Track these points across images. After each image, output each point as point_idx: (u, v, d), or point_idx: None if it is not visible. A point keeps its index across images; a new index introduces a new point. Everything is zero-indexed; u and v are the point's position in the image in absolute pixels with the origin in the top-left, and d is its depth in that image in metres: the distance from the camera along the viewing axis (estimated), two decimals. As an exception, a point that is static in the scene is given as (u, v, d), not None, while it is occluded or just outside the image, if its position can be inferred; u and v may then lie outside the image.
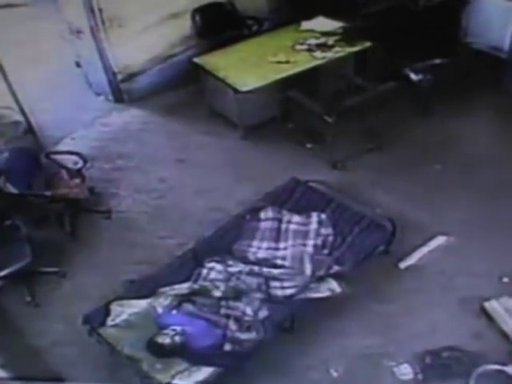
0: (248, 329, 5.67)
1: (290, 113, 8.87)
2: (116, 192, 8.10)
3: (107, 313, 5.83)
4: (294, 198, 7.16)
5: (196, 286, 6.07)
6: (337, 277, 6.12)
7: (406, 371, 5.73)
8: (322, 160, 8.19)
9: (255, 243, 6.61)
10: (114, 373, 5.75)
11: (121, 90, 9.85)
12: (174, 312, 5.84)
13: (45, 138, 8.69)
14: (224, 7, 10.26)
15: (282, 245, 6.57)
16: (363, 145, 8.26)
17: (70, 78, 10.28)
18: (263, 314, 5.80)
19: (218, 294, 5.96)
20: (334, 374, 5.78)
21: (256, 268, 6.24)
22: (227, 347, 5.55)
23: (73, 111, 9.60)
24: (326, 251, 6.48)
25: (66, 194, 7.33)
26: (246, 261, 6.37)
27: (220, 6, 10.21)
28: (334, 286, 6.06)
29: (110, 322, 5.76)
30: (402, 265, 6.71)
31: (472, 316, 6.16)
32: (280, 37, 9.41)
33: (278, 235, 6.68)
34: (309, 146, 8.57)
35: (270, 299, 5.94)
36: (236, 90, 8.33)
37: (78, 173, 7.50)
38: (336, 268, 6.18)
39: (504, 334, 5.92)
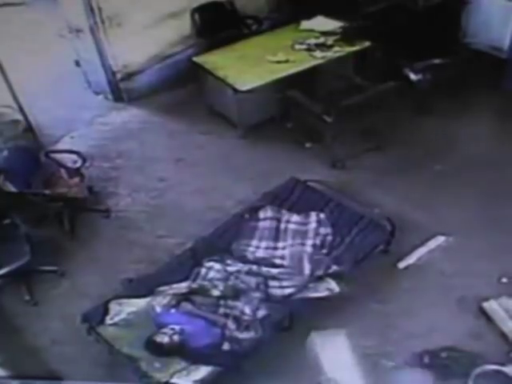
0: (246, 328, 5.68)
1: (290, 112, 8.87)
2: (115, 191, 8.11)
3: (106, 311, 5.83)
4: (293, 197, 7.16)
5: (195, 285, 6.07)
6: (335, 276, 6.12)
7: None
8: (321, 160, 8.20)
9: (254, 242, 6.61)
10: (113, 371, 5.74)
11: (120, 89, 9.86)
12: (173, 311, 5.84)
13: (44, 136, 8.69)
14: (223, 6, 10.28)
15: (280, 244, 6.57)
16: (362, 144, 8.26)
17: (70, 76, 10.27)
18: (262, 313, 5.80)
19: (216, 293, 5.96)
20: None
21: (255, 267, 6.24)
22: (226, 346, 5.55)
23: (72, 110, 9.61)
24: (324, 251, 6.48)
25: (65, 193, 7.33)
26: (244, 260, 6.37)
27: (219, 5, 10.23)
28: (332, 285, 6.06)
29: (108, 320, 5.76)
30: (401, 265, 6.72)
31: (471, 316, 6.17)
32: (279, 36, 9.42)
33: (276, 235, 6.68)
34: (308, 145, 8.57)
35: (268, 298, 5.94)
36: (235, 90, 8.33)
37: (77, 172, 7.51)
38: (335, 268, 6.18)
39: (503, 335, 5.92)
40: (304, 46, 8.95)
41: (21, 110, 8.21)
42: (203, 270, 6.28)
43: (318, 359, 4.81)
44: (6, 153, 7.13)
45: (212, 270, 6.27)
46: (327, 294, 6.01)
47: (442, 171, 7.86)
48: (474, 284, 6.41)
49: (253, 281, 6.07)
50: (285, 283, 6.04)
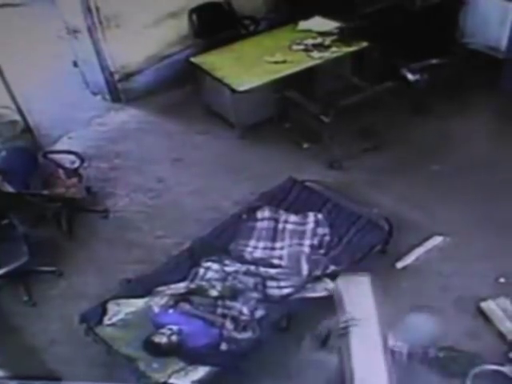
0: (244, 328, 5.68)
1: (287, 113, 8.88)
2: (113, 191, 8.11)
3: (104, 312, 5.83)
4: (291, 197, 7.17)
5: (193, 286, 6.07)
6: (333, 277, 6.12)
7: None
8: (319, 160, 8.21)
9: (252, 243, 6.61)
10: (111, 372, 5.74)
11: (118, 90, 9.86)
12: (171, 311, 5.84)
13: (42, 137, 8.69)
14: (221, 7, 10.28)
15: (278, 244, 6.58)
16: (360, 145, 8.27)
17: (68, 77, 10.28)
18: (260, 313, 5.81)
19: (214, 293, 5.96)
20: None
21: (253, 268, 6.24)
22: (224, 347, 5.56)
23: (70, 111, 9.61)
24: (322, 251, 6.48)
25: (63, 194, 7.33)
26: (242, 260, 6.37)
27: (217, 5, 10.23)
28: (330, 285, 6.05)
29: (106, 321, 5.76)
30: (399, 265, 6.72)
31: (469, 316, 6.17)
32: (277, 37, 9.42)
33: (274, 235, 6.69)
34: (305, 145, 8.57)
35: (266, 299, 5.94)
36: (233, 90, 8.33)
37: (75, 172, 7.51)
38: (332, 268, 6.18)
39: (500, 335, 5.93)
40: (301, 47, 8.95)
41: (19, 110, 8.21)
42: (201, 271, 6.29)
43: (341, 300, 4.91)
44: (4, 153, 7.15)
45: (210, 270, 6.27)
46: (325, 294, 6.01)
47: (440, 171, 7.86)
48: (472, 284, 6.42)
49: (251, 281, 6.07)
50: (283, 283, 6.04)
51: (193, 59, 9.17)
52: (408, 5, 9.38)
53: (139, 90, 9.93)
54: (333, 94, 8.35)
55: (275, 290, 6.02)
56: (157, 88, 9.95)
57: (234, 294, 5.97)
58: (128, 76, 9.81)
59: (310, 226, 6.72)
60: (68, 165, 7.63)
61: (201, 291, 6.00)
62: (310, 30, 9.36)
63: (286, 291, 5.99)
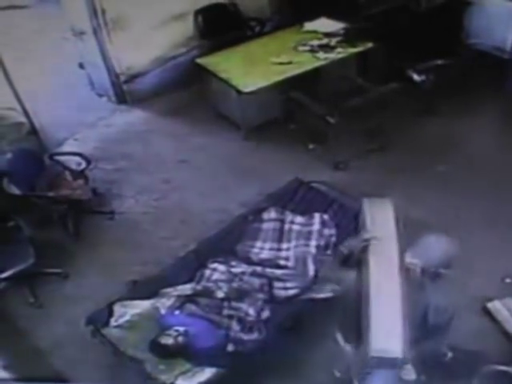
0: (251, 329, 5.68)
1: (293, 113, 8.89)
2: (119, 193, 8.12)
3: (110, 313, 5.83)
4: (297, 198, 7.16)
5: (199, 287, 6.07)
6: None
7: (408, 371, 5.73)
8: (325, 161, 8.20)
9: (258, 244, 6.60)
10: (117, 374, 5.76)
11: (124, 91, 9.87)
12: (177, 313, 5.84)
13: (48, 139, 8.70)
14: (226, 8, 10.27)
15: (284, 245, 6.57)
16: (366, 145, 8.26)
17: (73, 79, 10.30)
18: (266, 314, 5.81)
19: (220, 294, 5.95)
20: (338, 375, 5.79)
21: (259, 269, 6.23)
22: (230, 348, 5.55)
23: (76, 112, 9.63)
24: (329, 252, 6.48)
25: (69, 195, 7.34)
26: (248, 261, 6.36)
27: (222, 7, 10.22)
28: (336, 286, 6.06)
29: (113, 322, 5.76)
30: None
31: (475, 316, 6.17)
32: (282, 38, 9.43)
33: (280, 236, 6.68)
34: (311, 146, 8.57)
35: (272, 300, 5.94)
36: (239, 91, 8.34)
37: (81, 174, 7.51)
38: (339, 269, 6.19)
39: (507, 335, 5.93)
40: (307, 48, 8.95)
41: (25, 112, 8.21)
42: (207, 272, 6.28)
43: (364, 220, 5.02)
44: (10, 155, 7.14)
45: (216, 271, 6.26)
46: (331, 295, 6.01)
47: (446, 172, 7.86)
48: (478, 284, 6.41)
49: (257, 282, 6.07)
50: (289, 284, 6.03)
51: (198, 60, 9.18)
52: (413, 6, 9.38)
53: (145, 91, 9.94)
54: (338, 95, 8.34)
55: (281, 291, 6.01)
56: (162, 89, 9.96)
57: (241, 295, 5.96)
58: (134, 77, 9.81)
59: (316, 226, 6.71)
60: (74, 166, 7.63)
61: (207, 292, 6.00)
62: (315, 31, 9.35)
63: (292, 292, 5.98)
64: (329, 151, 8.26)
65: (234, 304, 5.90)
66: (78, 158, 7.64)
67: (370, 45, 8.91)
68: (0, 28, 10.79)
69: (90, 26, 9.08)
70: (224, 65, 8.83)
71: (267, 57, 8.80)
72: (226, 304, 5.91)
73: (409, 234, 4.93)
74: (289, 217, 6.86)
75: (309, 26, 9.53)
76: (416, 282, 4.56)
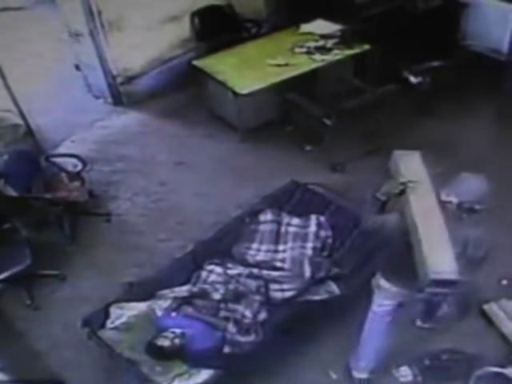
0: (247, 331, 5.67)
1: (289, 115, 8.89)
2: (115, 195, 8.12)
3: (107, 315, 5.82)
4: (293, 200, 7.16)
5: (195, 289, 6.06)
6: (336, 279, 6.12)
7: (405, 373, 5.75)
8: (321, 162, 8.21)
9: (254, 246, 6.60)
10: (114, 376, 5.75)
11: (120, 93, 9.87)
12: (174, 314, 5.83)
13: (44, 140, 8.69)
14: (223, 10, 10.29)
15: (281, 247, 6.57)
16: (362, 147, 8.26)
17: (70, 80, 10.29)
18: (262, 316, 5.80)
19: (217, 296, 5.96)
20: (334, 376, 5.80)
21: (255, 270, 6.23)
22: (227, 350, 5.55)
23: (72, 114, 9.62)
24: (325, 254, 6.48)
25: (66, 197, 7.33)
26: (245, 263, 6.36)
27: (219, 8, 10.23)
28: (333, 288, 6.06)
29: (109, 324, 5.75)
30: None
31: (471, 318, 6.17)
32: (279, 39, 9.43)
33: (277, 238, 6.68)
34: (308, 148, 8.58)
35: (269, 302, 5.93)
36: (235, 93, 8.35)
37: (78, 175, 7.51)
38: (335, 270, 6.18)
39: (503, 336, 5.93)
40: (304, 49, 8.96)
41: (21, 114, 8.21)
42: (204, 274, 6.28)
43: (397, 167, 5.40)
44: (6, 157, 7.13)
45: (213, 273, 6.26)
46: (328, 297, 6.01)
47: (442, 173, 7.84)
48: (475, 286, 6.41)
49: (253, 284, 6.07)
50: (285, 286, 6.03)
51: (195, 62, 9.17)
52: (410, 7, 9.39)
53: (141, 93, 9.95)
54: (335, 97, 8.34)
55: (278, 292, 6.01)
56: (159, 91, 9.96)
57: (237, 297, 5.96)
58: (130, 79, 9.82)
59: (313, 228, 6.71)
60: (70, 168, 7.62)
61: (204, 294, 6.00)
62: (312, 33, 9.36)
63: (288, 294, 5.97)
64: (325, 153, 8.27)
65: (230, 306, 5.90)
66: (74, 160, 7.62)
67: (366, 46, 8.92)
68: (-4, 30, 10.83)
69: (87, 27, 9.08)
70: (220, 67, 8.83)
71: (264, 58, 8.80)
72: (222, 306, 5.91)
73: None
74: (285, 219, 6.86)
75: (305, 27, 9.53)
76: (454, 218, 4.81)
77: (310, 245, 6.51)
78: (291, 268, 6.25)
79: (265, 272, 6.22)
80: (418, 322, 6.21)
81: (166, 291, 6.04)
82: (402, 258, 4.86)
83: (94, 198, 7.88)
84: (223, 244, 6.65)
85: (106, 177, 8.39)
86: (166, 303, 5.94)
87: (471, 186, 5.11)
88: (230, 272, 6.23)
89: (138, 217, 7.79)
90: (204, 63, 9.07)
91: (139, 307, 5.90)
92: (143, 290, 6.14)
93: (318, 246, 6.52)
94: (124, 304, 5.95)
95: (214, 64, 8.96)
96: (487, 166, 7.71)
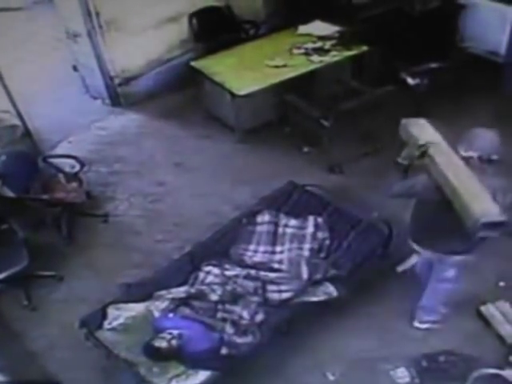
0: (245, 332, 5.67)
1: (287, 117, 8.90)
2: (113, 196, 8.12)
3: (104, 316, 5.82)
4: (291, 201, 7.16)
5: (193, 290, 6.06)
6: (333, 280, 6.12)
7: (402, 375, 5.75)
8: (319, 164, 8.21)
9: (252, 247, 6.61)
10: (111, 376, 5.75)
11: (118, 94, 9.87)
12: (171, 315, 5.84)
13: (42, 141, 8.69)
14: (221, 11, 10.30)
15: (278, 248, 6.57)
16: (360, 149, 8.27)
17: (67, 81, 10.29)
18: (260, 317, 5.80)
19: (214, 297, 5.95)
20: (331, 378, 5.80)
21: (253, 272, 6.23)
22: (224, 351, 5.55)
23: (70, 115, 9.62)
24: (322, 255, 6.48)
25: (63, 198, 7.34)
26: (242, 264, 6.36)
27: (217, 10, 10.25)
28: (330, 289, 6.06)
29: (106, 325, 5.75)
30: (399, 268, 6.71)
31: (468, 320, 6.18)
32: (277, 41, 9.43)
33: (274, 239, 6.68)
34: (306, 149, 8.58)
35: (266, 303, 5.94)
36: (233, 94, 8.35)
37: (75, 176, 7.52)
38: (333, 272, 6.18)
39: (500, 338, 5.94)
40: (302, 51, 8.97)
41: (19, 115, 8.21)
42: (201, 275, 6.28)
43: (410, 133, 5.60)
44: (3, 158, 7.13)
45: (210, 274, 6.26)
46: (325, 298, 6.01)
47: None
48: (472, 288, 6.42)
49: (251, 285, 6.07)
50: (283, 287, 6.03)
51: (193, 63, 9.18)
52: (408, 9, 9.39)
53: (139, 94, 9.95)
54: (333, 98, 8.35)
55: (275, 294, 6.01)
56: (157, 92, 9.96)
57: (235, 298, 5.97)
58: (128, 80, 9.82)
59: (310, 229, 6.71)
60: (68, 169, 7.64)
61: (201, 295, 6.00)
62: (310, 34, 9.36)
63: (286, 295, 5.97)
64: (323, 154, 8.27)
65: (227, 307, 5.90)
66: (72, 161, 7.64)
67: (364, 48, 8.92)
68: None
69: (85, 28, 9.08)
70: (218, 68, 8.83)
71: (262, 60, 8.81)
72: (219, 307, 5.92)
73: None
74: (283, 220, 6.86)
75: (303, 29, 9.53)
76: (477, 170, 5.04)
77: (307, 246, 6.52)
78: (288, 269, 6.25)
79: (262, 273, 6.22)
80: (416, 323, 6.26)
81: (163, 292, 6.04)
82: (433, 219, 5.28)
83: (91, 199, 7.88)
84: (221, 245, 6.66)
85: (103, 178, 8.39)
86: (163, 304, 5.94)
87: (485, 139, 5.36)
88: (227, 273, 6.23)
89: (136, 218, 7.79)
90: (202, 64, 9.07)
91: (137, 308, 5.90)
92: (141, 291, 6.14)
93: (315, 247, 6.52)
94: (121, 305, 5.95)
95: (212, 65, 8.96)
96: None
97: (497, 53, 9.22)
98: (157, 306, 5.92)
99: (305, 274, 6.14)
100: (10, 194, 6.96)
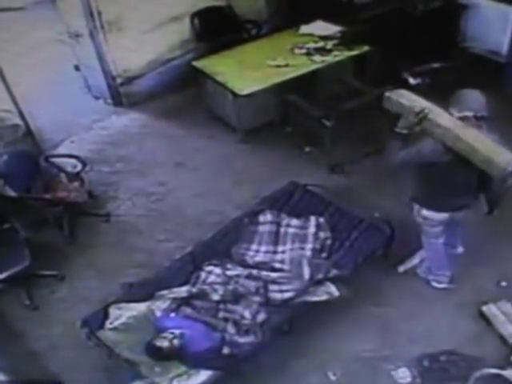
0: (246, 332, 5.68)
1: (289, 116, 8.90)
2: (115, 195, 8.12)
3: (106, 316, 5.82)
4: (293, 201, 7.16)
5: (194, 290, 6.07)
6: (335, 280, 6.11)
7: (404, 375, 5.74)
8: (321, 164, 8.21)
9: (254, 247, 6.61)
10: (113, 376, 5.75)
11: (120, 94, 9.87)
12: (173, 315, 5.84)
13: (44, 141, 8.69)
14: (223, 11, 10.30)
15: (280, 248, 6.57)
16: (361, 149, 8.25)
17: (69, 81, 10.29)
18: (261, 317, 5.80)
19: (216, 297, 5.96)
20: (332, 378, 5.80)
21: (254, 271, 6.23)
22: (225, 350, 5.55)
23: (72, 115, 9.62)
24: (324, 255, 6.48)
25: (65, 198, 7.34)
26: (244, 264, 6.37)
27: (219, 9, 10.24)
28: (332, 289, 6.05)
29: (108, 325, 5.75)
30: (401, 268, 6.73)
31: (470, 320, 6.18)
32: (279, 41, 9.43)
33: (276, 239, 6.68)
34: (307, 149, 8.58)
35: (268, 303, 5.93)
36: (235, 94, 8.34)
37: (77, 176, 7.51)
38: (334, 272, 6.17)
39: (502, 338, 5.93)
40: (303, 51, 8.97)
41: (20, 114, 8.20)
42: (203, 274, 6.28)
43: (400, 103, 5.79)
44: (5, 157, 7.14)
45: (212, 274, 6.26)
46: (327, 298, 6.01)
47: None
48: (473, 288, 6.42)
49: (252, 285, 6.07)
50: (284, 287, 6.03)
51: (195, 63, 9.17)
52: (410, 9, 9.39)
53: (141, 93, 9.95)
54: (334, 98, 8.35)
55: (277, 293, 6.01)
56: (159, 92, 9.97)
57: (236, 297, 5.97)
58: (130, 80, 9.82)
59: (312, 229, 6.71)
60: (70, 169, 7.63)
61: (203, 295, 6.00)
62: (311, 34, 9.37)
63: (287, 295, 5.97)
64: (325, 154, 8.27)
65: (229, 307, 5.91)
66: (73, 161, 7.64)
67: (366, 48, 8.92)
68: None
69: (86, 28, 9.08)
70: (220, 67, 8.82)
71: (263, 59, 8.80)
72: (221, 307, 5.92)
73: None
74: (284, 220, 6.86)
75: (305, 28, 9.53)
76: (475, 128, 5.34)
77: (309, 246, 6.52)
78: (290, 269, 6.25)
79: (264, 273, 6.22)
80: (434, 283, 6.50)
81: (165, 292, 6.04)
82: (443, 180, 5.57)
83: (93, 199, 7.89)
84: (222, 245, 6.66)
85: (105, 177, 8.40)
86: (165, 304, 5.94)
87: (474, 98, 5.57)
88: (229, 273, 6.23)
89: (137, 217, 7.78)
90: (204, 64, 9.07)
91: (138, 308, 5.90)
92: (142, 291, 6.14)
93: (317, 247, 6.52)
94: (123, 305, 5.95)
95: (213, 65, 8.96)
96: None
97: (498, 53, 9.22)
98: (158, 306, 5.92)
99: (306, 274, 6.13)
100: (11, 193, 6.96)
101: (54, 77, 10.34)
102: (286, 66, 8.66)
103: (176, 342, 5.37)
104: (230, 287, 6.05)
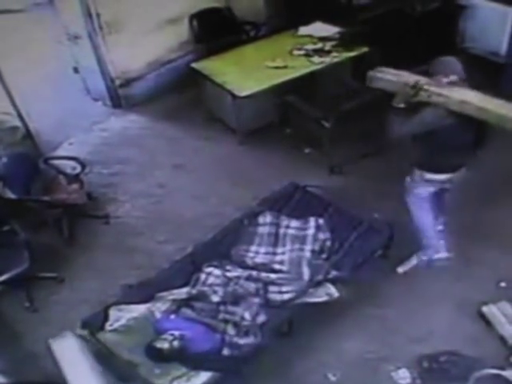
0: (246, 333, 5.67)
1: (288, 118, 8.90)
2: (114, 197, 8.12)
3: (106, 318, 5.82)
4: (292, 202, 7.16)
5: (194, 291, 6.06)
6: (335, 281, 6.11)
7: (403, 375, 5.75)
8: (320, 165, 8.21)
9: (253, 248, 6.60)
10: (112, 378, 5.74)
11: (119, 96, 9.88)
12: (173, 317, 5.84)
13: (43, 143, 8.67)
14: (222, 12, 10.30)
15: (279, 250, 6.56)
16: (361, 149, 8.25)
17: (68, 83, 10.28)
18: (261, 318, 5.80)
19: (216, 298, 5.95)
20: (332, 379, 5.80)
21: (254, 273, 6.23)
22: (226, 352, 5.55)
23: (71, 116, 9.61)
24: (323, 256, 6.46)
25: (65, 200, 7.33)
26: (244, 266, 6.36)
27: (218, 11, 10.25)
28: (331, 290, 6.05)
29: (108, 326, 5.75)
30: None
31: (470, 320, 6.18)
32: (278, 42, 9.43)
33: (276, 240, 6.67)
34: (306, 150, 8.59)
35: (268, 304, 5.93)
36: (234, 95, 8.34)
37: (76, 178, 7.51)
38: (334, 273, 6.17)
39: (502, 339, 5.93)
40: (302, 52, 8.97)
41: (20, 116, 8.21)
42: (203, 276, 6.27)
43: (387, 80, 6.19)
44: (5, 159, 7.13)
45: (211, 275, 6.25)
46: (326, 299, 6.01)
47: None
48: (473, 288, 6.42)
49: (252, 286, 6.07)
50: (284, 288, 6.03)
51: (194, 65, 9.17)
52: (408, 10, 9.40)
53: (140, 95, 9.95)
54: (333, 99, 8.34)
55: (277, 295, 6.01)
56: (158, 94, 9.97)
57: (236, 299, 5.96)
58: (129, 82, 9.82)
59: (311, 231, 6.71)
60: (69, 171, 7.63)
61: (202, 296, 6.00)
62: (310, 36, 9.37)
63: (287, 296, 5.97)
64: (324, 155, 8.27)
65: (229, 308, 5.90)
66: (73, 163, 7.63)
67: (365, 49, 8.91)
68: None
69: (85, 29, 9.09)
70: (219, 69, 8.82)
71: (262, 61, 8.80)
72: (221, 308, 5.91)
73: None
74: (284, 221, 6.85)
75: (304, 30, 9.54)
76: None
77: (308, 247, 6.51)
78: (290, 270, 6.24)
79: (263, 274, 6.21)
80: (435, 256, 6.78)
81: (164, 293, 6.04)
82: (446, 142, 5.72)
83: (92, 201, 7.88)
84: (222, 246, 6.65)
85: (104, 179, 8.40)
86: (164, 305, 5.94)
87: (453, 63, 5.83)
88: (228, 274, 6.22)
89: (137, 219, 7.79)
90: (203, 65, 9.07)
91: (138, 309, 5.90)
92: (142, 293, 6.13)
93: (316, 248, 6.51)
94: (123, 306, 5.95)
95: (212, 66, 8.96)
96: (485, 167, 7.74)
97: (497, 53, 9.23)
98: (158, 308, 5.91)
99: (306, 275, 6.14)
100: (11, 195, 6.95)
101: (53, 79, 10.33)
102: (285, 67, 8.66)
103: (176, 343, 5.37)
104: (230, 288, 6.05)
